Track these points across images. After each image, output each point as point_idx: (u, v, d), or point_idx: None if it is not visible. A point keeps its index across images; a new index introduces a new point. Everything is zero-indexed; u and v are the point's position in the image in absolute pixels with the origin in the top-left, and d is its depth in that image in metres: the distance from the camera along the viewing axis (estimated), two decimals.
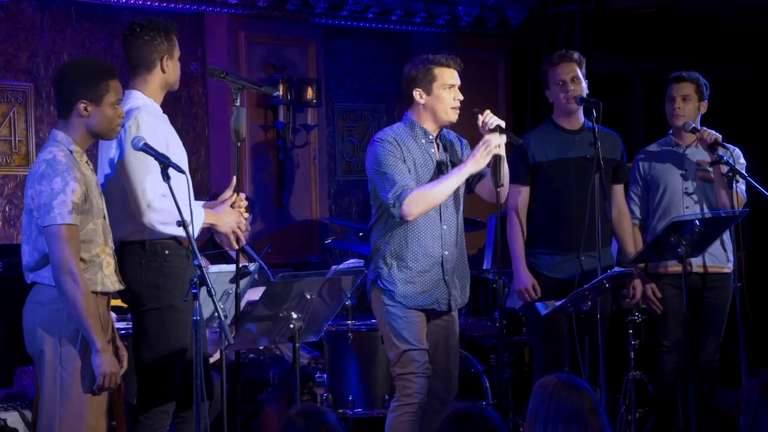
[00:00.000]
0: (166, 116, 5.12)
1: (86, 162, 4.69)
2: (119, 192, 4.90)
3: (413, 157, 5.57)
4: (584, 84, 6.17)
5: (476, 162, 5.47)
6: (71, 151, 4.61)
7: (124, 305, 5.22)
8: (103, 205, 4.72)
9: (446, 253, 5.61)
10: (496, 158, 5.49)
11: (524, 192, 6.19)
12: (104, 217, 4.71)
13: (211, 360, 6.18)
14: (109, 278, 4.69)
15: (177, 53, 5.10)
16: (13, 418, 6.60)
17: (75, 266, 4.48)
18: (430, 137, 5.64)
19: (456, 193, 5.64)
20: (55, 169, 4.52)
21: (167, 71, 5.04)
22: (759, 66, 10.12)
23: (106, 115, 4.66)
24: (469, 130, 5.91)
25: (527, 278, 6.12)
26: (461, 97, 5.63)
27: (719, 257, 6.44)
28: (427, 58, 5.64)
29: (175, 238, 4.95)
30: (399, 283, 5.55)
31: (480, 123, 5.51)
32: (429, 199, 5.47)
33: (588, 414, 3.55)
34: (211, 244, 6.72)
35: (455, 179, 5.49)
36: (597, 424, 3.55)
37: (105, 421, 4.76)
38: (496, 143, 5.45)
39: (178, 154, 4.98)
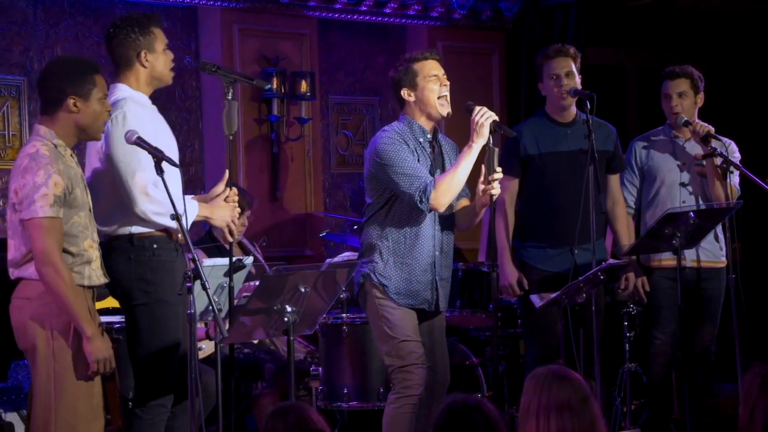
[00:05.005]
0: (155, 107, 5.10)
1: (71, 155, 4.69)
2: (108, 185, 4.89)
3: (416, 155, 5.57)
4: (578, 79, 6.14)
5: (479, 132, 5.44)
6: (55, 145, 4.61)
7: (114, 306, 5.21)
8: (89, 199, 4.71)
9: (437, 253, 5.62)
10: (489, 150, 5.49)
11: (513, 184, 6.19)
12: (90, 210, 4.70)
13: (201, 355, 6.18)
14: (95, 272, 4.69)
15: (160, 46, 5.04)
16: (10, 416, 6.60)
17: (57, 258, 4.49)
18: (428, 135, 5.65)
19: None
20: (39, 162, 4.53)
21: (148, 66, 5.01)
22: (754, 57, 10.12)
23: (94, 110, 4.68)
24: (465, 126, 5.92)
25: (511, 274, 6.11)
26: (447, 83, 5.63)
27: (713, 252, 6.45)
28: (405, 58, 5.70)
29: (166, 231, 4.94)
30: (394, 279, 5.56)
31: (473, 118, 5.50)
32: (455, 185, 5.46)
33: (579, 403, 3.55)
34: (209, 237, 6.71)
35: (468, 158, 5.46)
36: (589, 413, 3.55)
37: (102, 412, 4.77)
38: (486, 111, 5.42)
39: (168, 145, 4.95)
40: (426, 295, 5.60)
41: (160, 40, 5.04)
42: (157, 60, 5.03)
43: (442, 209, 5.50)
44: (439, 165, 5.67)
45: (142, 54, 4.99)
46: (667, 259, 6.34)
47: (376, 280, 5.58)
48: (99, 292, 4.95)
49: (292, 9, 8.04)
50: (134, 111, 4.88)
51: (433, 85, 5.60)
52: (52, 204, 4.49)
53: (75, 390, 4.60)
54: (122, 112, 4.85)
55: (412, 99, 5.63)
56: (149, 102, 5.07)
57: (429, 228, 5.59)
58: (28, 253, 4.58)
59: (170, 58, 5.09)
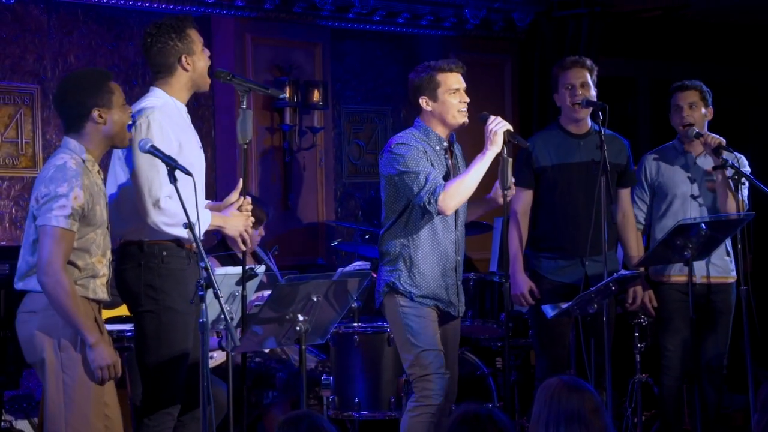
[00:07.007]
0: (188, 117, 5.12)
1: (98, 172, 4.71)
2: (127, 190, 4.91)
3: (431, 162, 5.58)
4: (593, 92, 6.15)
5: (493, 141, 5.48)
6: (84, 160, 4.63)
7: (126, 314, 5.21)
8: (107, 216, 4.72)
9: (459, 258, 5.64)
10: (503, 161, 5.51)
11: (527, 195, 6.19)
12: (107, 228, 4.72)
13: (212, 364, 6.18)
14: (100, 288, 4.70)
15: (198, 47, 5.07)
16: (21, 424, 6.62)
17: (59, 268, 4.49)
18: (444, 144, 5.66)
19: None
20: (64, 174, 4.54)
21: (190, 68, 5.04)
22: (766, 69, 10.12)
23: (120, 117, 4.70)
24: (476, 134, 5.92)
25: (523, 283, 6.12)
26: (467, 100, 5.65)
27: (723, 267, 6.43)
28: (430, 65, 5.67)
29: (177, 240, 4.95)
30: (420, 286, 5.57)
31: (487, 126, 5.53)
32: (463, 190, 5.50)
33: (589, 414, 3.55)
34: (222, 246, 6.72)
35: (481, 166, 5.51)
36: (599, 424, 3.56)
37: (120, 428, 4.77)
38: (500, 121, 5.50)
39: (192, 156, 4.97)
40: (450, 300, 5.63)
41: (196, 41, 5.08)
42: (198, 61, 5.06)
43: (449, 212, 5.52)
44: (457, 172, 5.68)
45: (183, 59, 5.02)
46: (676, 275, 6.34)
47: (401, 288, 5.58)
48: (111, 301, 4.97)
49: (305, 18, 8.06)
50: (158, 121, 4.89)
51: (453, 100, 5.61)
52: (67, 216, 4.51)
53: (85, 402, 4.59)
54: (146, 121, 4.87)
55: (429, 108, 5.64)
56: (184, 111, 5.09)
57: (450, 233, 5.62)
58: (34, 265, 4.58)
59: (207, 56, 5.12)
